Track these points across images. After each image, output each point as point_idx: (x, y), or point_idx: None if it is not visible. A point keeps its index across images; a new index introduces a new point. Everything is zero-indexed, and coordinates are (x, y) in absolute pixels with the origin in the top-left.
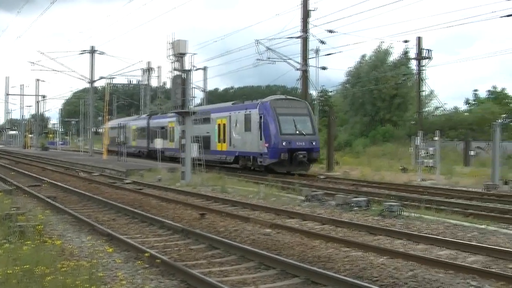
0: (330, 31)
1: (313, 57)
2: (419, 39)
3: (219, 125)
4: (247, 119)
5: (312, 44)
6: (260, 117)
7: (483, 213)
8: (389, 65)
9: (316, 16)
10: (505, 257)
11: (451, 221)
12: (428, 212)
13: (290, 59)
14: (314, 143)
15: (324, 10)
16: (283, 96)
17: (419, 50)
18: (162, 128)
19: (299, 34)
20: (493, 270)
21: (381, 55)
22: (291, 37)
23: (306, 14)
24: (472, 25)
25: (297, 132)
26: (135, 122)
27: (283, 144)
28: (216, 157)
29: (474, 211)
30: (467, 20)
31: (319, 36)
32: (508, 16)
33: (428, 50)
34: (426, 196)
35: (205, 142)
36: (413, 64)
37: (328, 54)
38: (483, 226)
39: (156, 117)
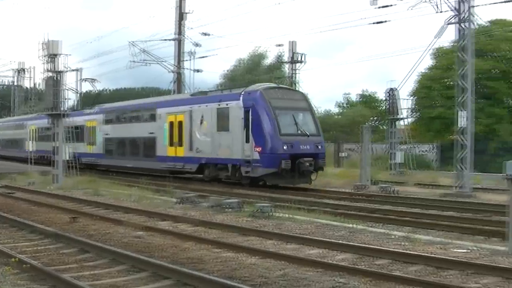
0: (205, 34)
1: (188, 60)
2: (292, 43)
3: (171, 123)
4: (223, 114)
5: (189, 46)
6: (247, 112)
7: (352, 212)
8: (264, 68)
9: (192, 18)
10: (372, 254)
11: (322, 221)
12: (299, 212)
13: (165, 61)
14: (320, 147)
15: (200, 12)
16: (274, 84)
17: (293, 54)
18: (77, 128)
19: (174, 36)
20: (360, 267)
21: (257, 58)
22: (165, 39)
23: (181, 16)
24: (343, 30)
25: (299, 132)
26: (35, 121)
27: (284, 148)
28: (165, 165)
29: (344, 211)
30: (339, 26)
31: (195, 38)
32: (376, 23)
33: (301, 54)
34: (298, 197)
35: (147, 146)
36: (288, 68)
37: (203, 57)
38: (350, 225)
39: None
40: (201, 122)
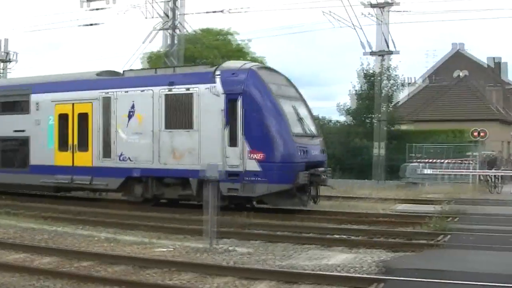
0: None
1: None
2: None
3: (63, 116)
4: (179, 103)
5: None
6: (232, 101)
7: (60, 216)
8: None
9: None
10: (77, 257)
11: (27, 224)
12: (3, 216)
13: None
14: (324, 152)
15: None
16: (259, 63)
17: (4, 53)
18: None
19: None
20: (65, 269)
21: None
22: None
23: None
24: (57, 30)
25: (307, 131)
26: None
27: (300, 154)
28: (49, 179)
29: (52, 214)
30: (52, 26)
31: None
32: (89, 25)
33: (14, 52)
34: (5, 201)
35: (9, 151)
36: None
37: None
38: (56, 228)
39: None
40: (131, 115)
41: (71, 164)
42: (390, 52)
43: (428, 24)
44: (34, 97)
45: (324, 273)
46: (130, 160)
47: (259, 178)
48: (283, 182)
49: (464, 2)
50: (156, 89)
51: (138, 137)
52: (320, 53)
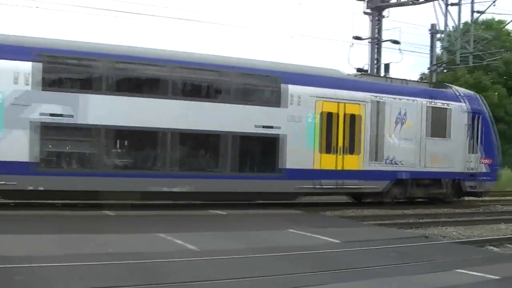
0: None
1: None
2: None
3: (328, 115)
4: (437, 115)
5: None
6: (473, 118)
7: None
8: None
9: None
10: None
11: None
12: None
13: None
14: None
15: None
16: None
17: None
18: None
19: None
20: None
21: None
22: None
23: None
24: None
25: None
26: None
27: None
28: (307, 184)
29: None
30: None
31: None
32: None
33: None
34: None
35: (247, 151)
36: None
37: None
38: None
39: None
40: (399, 121)
41: (336, 168)
42: None
43: None
44: (291, 89)
45: None
46: (401, 164)
47: (486, 178)
48: (496, 180)
49: None
50: (420, 100)
51: (406, 143)
52: None
